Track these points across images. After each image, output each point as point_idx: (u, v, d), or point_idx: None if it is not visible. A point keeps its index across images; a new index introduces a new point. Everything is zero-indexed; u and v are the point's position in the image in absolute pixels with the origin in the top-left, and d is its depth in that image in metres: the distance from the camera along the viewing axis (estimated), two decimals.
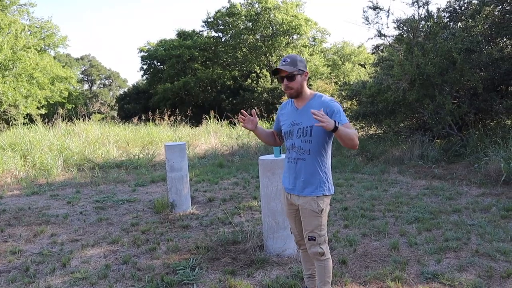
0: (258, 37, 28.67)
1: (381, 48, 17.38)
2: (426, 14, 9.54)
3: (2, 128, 14.12)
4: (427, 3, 9.55)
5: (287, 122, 2.88)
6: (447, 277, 3.44)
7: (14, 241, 4.92)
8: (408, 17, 9.84)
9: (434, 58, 8.80)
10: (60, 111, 14.38)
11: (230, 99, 28.70)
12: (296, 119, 2.81)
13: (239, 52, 29.29)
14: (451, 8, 10.58)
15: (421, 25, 9.55)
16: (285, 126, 2.89)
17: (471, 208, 5.51)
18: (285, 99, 17.52)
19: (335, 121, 2.51)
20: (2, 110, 17.62)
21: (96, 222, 5.62)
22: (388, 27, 25.33)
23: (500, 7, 9.59)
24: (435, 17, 9.63)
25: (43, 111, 20.66)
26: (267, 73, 27.22)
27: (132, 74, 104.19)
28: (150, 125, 15.25)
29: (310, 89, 2.91)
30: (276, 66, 2.99)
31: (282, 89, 2.85)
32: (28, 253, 4.49)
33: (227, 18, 28.28)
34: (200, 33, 32.41)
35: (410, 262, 3.83)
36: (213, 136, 13.98)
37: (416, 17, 9.56)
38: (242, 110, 3.06)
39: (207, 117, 16.17)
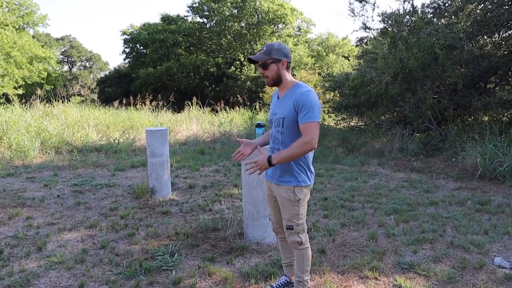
0: (243, 24, 28.48)
1: (365, 41, 17.46)
2: (411, 9, 9.60)
3: None
4: None
5: (270, 111, 2.94)
6: (423, 268, 3.52)
7: None
8: (393, 11, 9.90)
9: (417, 53, 8.89)
10: (39, 92, 14.04)
11: (213, 86, 28.51)
12: (276, 108, 2.82)
13: (224, 39, 29.06)
14: (435, 4, 10.68)
15: (406, 20, 9.61)
16: (269, 115, 2.93)
17: (447, 201, 5.63)
18: (268, 88, 17.50)
19: (268, 157, 2.59)
20: None
21: (73, 206, 5.53)
22: (373, 20, 25.51)
23: (482, 5, 9.73)
24: (419, 12, 9.70)
25: (20, 91, 20.15)
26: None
27: (114, 57, 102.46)
28: (131, 109, 15.03)
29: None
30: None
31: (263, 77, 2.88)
32: (2, 236, 4.39)
33: (213, 4, 27.98)
34: (185, 18, 32.02)
35: (388, 252, 3.90)
36: (195, 122, 13.89)
37: (401, 11, 9.61)
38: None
39: (190, 103, 16.04)
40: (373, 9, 12.03)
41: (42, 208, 5.42)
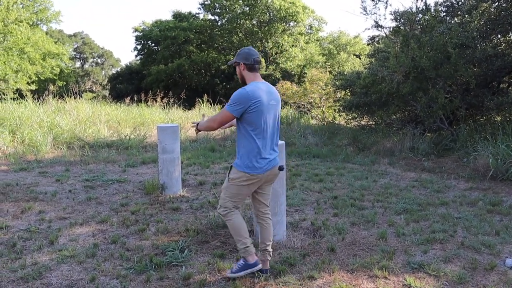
0: (254, 22, 28.46)
1: (377, 39, 17.35)
2: (424, 7, 9.52)
3: None
4: None
5: None
6: (433, 268, 3.50)
7: (1, 217, 4.88)
8: (406, 9, 9.82)
9: (430, 52, 8.81)
10: (51, 87, 14.17)
11: (224, 83, 28.57)
12: None
13: (235, 36, 29.08)
14: (448, 3, 10.56)
15: (418, 18, 9.53)
16: None
17: (458, 202, 5.58)
18: (279, 86, 17.49)
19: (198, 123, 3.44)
20: None
21: (85, 201, 5.59)
22: (385, 18, 25.36)
23: (497, 4, 9.61)
24: (432, 10, 9.61)
25: (33, 87, 20.39)
26: (262, 59, 27.07)
27: (126, 53, 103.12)
28: (142, 106, 15.12)
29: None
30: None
31: None
32: (15, 229, 4.46)
33: (224, 2, 28.00)
34: (197, 15, 32.11)
35: (397, 252, 3.88)
36: (205, 120, 13.91)
37: (414, 9, 9.53)
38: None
39: (200, 100, 16.08)
40: (386, 7, 12.00)
41: (54, 202, 5.49)
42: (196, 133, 3.46)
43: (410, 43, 8.91)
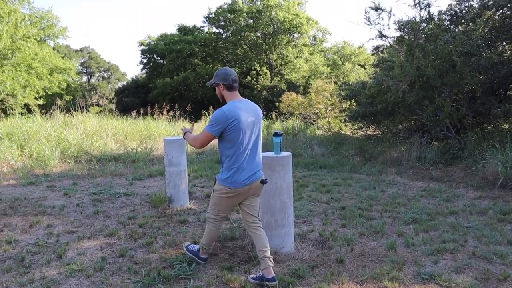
0: (259, 34, 28.65)
1: (381, 49, 17.38)
2: (428, 16, 9.54)
3: None
4: (428, 5, 9.55)
5: None
6: (444, 278, 3.45)
7: (9, 231, 4.90)
8: (410, 18, 9.85)
9: (434, 61, 8.81)
10: (58, 102, 14.30)
11: None
12: None
13: (240, 49, 29.26)
14: (452, 11, 10.58)
15: (422, 27, 9.55)
16: None
17: (468, 211, 5.52)
18: (284, 97, 17.52)
19: (186, 132, 3.73)
20: (0, 99, 17.53)
21: (92, 214, 5.60)
22: (389, 28, 25.22)
23: (501, 11, 9.61)
24: (436, 19, 9.63)
25: (41, 102, 20.58)
26: (267, 71, 27.23)
27: (132, 67, 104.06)
28: (149, 119, 15.20)
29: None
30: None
31: None
32: (23, 243, 4.47)
33: (229, 15, 28.23)
34: (201, 28, 32.38)
35: (407, 262, 3.84)
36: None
37: (418, 19, 9.55)
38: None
39: (206, 113, 16.14)
40: (389, 17, 12.06)
41: (62, 216, 5.50)
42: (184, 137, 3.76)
43: (415, 52, 8.91)
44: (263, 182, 3.47)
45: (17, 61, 18.57)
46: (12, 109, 17.18)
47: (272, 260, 3.43)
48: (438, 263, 3.81)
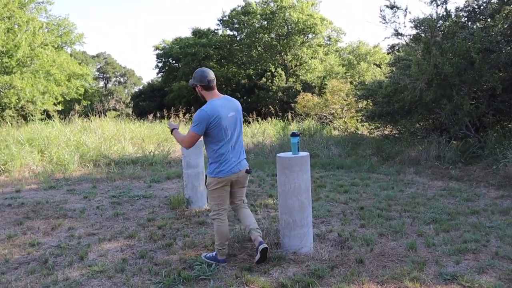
0: (273, 36, 28.64)
1: (397, 48, 17.20)
2: (445, 13, 9.42)
3: (20, 123, 14.33)
4: (445, 2, 9.42)
5: None
6: (467, 279, 3.40)
7: (32, 234, 5.00)
8: (426, 16, 9.73)
9: (452, 58, 8.69)
10: (77, 107, 14.54)
11: (245, 97, 28.71)
12: None
13: (254, 50, 29.30)
14: (469, 8, 10.42)
15: (439, 25, 9.43)
16: None
17: (489, 210, 5.43)
18: (299, 98, 17.49)
19: (173, 128, 3.90)
20: (20, 106, 17.87)
21: (112, 216, 5.68)
22: (405, 26, 25.15)
23: None
24: (453, 16, 9.50)
25: (59, 107, 20.89)
26: (282, 72, 27.19)
27: (147, 71, 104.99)
28: (165, 122, 15.34)
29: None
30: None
31: None
32: (46, 246, 4.56)
33: (242, 17, 28.30)
34: (215, 31, 32.50)
35: (428, 262, 3.79)
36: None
37: (434, 16, 9.44)
38: None
39: None
40: (405, 15, 11.92)
41: (82, 219, 5.59)
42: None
43: (432, 50, 8.81)
44: (248, 171, 3.81)
45: (36, 68, 18.89)
46: (32, 115, 17.50)
47: (259, 231, 3.85)
48: (460, 263, 3.76)
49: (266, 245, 3.76)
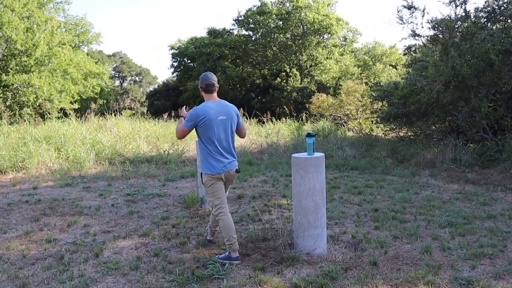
0: (288, 36, 28.57)
1: (414, 49, 17.00)
2: (463, 13, 9.29)
3: (37, 121, 14.56)
4: (464, 3, 9.30)
5: None
6: (483, 284, 3.35)
7: (49, 230, 5.08)
8: (444, 16, 9.61)
9: (471, 60, 8.56)
10: (93, 106, 14.70)
11: (260, 97, 28.71)
12: None
13: (269, 50, 29.27)
14: (489, 8, 10.24)
15: (458, 25, 9.30)
16: None
17: (507, 215, 5.34)
18: (314, 99, 17.43)
19: (181, 115, 4.28)
20: (37, 104, 18.16)
21: (127, 214, 5.73)
22: (422, 27, 24.70)
23: None
24: (472, 17, 9.36)
25: (76, 106, 21.16)
26: (297, 72, 27.10)
27: (163, 71, 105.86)
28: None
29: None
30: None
31: None
32: (62, 242, 4.63)
33: (258, 17, 28.29)
34: (231, 31, 32.56)
35: (443, 266, 3.75)
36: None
37: (453, 17, 9.32)
38: None
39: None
40: (423, 16, 11.74)
41: (98, 216, 5.66)
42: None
43: (450, 51, 8.69)
44: (237, 171, 4.08)
45: (53, 67, 19.18)
46: (49, 113, 17.76)
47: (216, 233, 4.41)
48: (476, 268, 3.70)
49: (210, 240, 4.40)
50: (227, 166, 3.95)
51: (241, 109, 16.34)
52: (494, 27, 9.56)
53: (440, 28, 9.60)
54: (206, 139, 3.92)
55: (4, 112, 14.32)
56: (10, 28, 16.89)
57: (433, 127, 11.02)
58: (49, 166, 9.33)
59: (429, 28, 10.16)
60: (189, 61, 33.63)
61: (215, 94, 4.04)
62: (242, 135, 4.29)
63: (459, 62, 8.48)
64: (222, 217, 3.93)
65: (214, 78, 4.04)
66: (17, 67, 17.29)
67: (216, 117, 3.90)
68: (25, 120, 14.29)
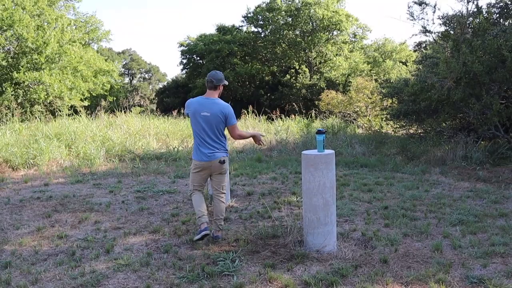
0: (297, 32, 28.48)
1: (424, 45, 16.86)
2: (475, 9, 9.18)
3: (48, 118, 14.69)
4: None
5: None
6: (495, 283, 3.32)
7: (60, 226, 5.13)
8: (456, 12, 9.50)
9: (482, 56, 8.47)
10: (103, 103, 14.80)
11: (269, 94, 28.69)
12: None
13: (278, 47, 29.21)
14: (501, 4, 10.11)
15: (469, 21, 9.19)
16: None
17: None
18: (323, 96, 17.38)
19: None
20: (48, 101, 18.31)
21: (137, 211, 5.77)
22: (433, 23, 24.41)
23: None
24: (484, 13, 9.24)
25: (86, 103, 21.31)
26: (306, 69, 27.03)
27: (172, 68, 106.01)
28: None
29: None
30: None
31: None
32: (73, 238, 4.67)
33: (267, 13, 28.23)
34: (240, 28, 32.52)
35: (454, 265, 3.72)
36: (251, 130, 14.04)
37: (464, 12, 9.21)
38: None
39: (246, 112, 16.23)
40: (434, 12, 11.60)
41: (108, 213, 5.70)
42: None
43: (461, 47, 8.60)
44: (221, 162, 4.37)
45: (63, 65, 19.32)
46: (59, 110, 17.91)
47: (221, 228, 4.48)
48: (488, 267, 3.67)
49: (209, 233, 4.29)
50: (210, 156, 4.31)
51: (250, 106, 16.39)
52: (506, 23, 9.44)
53: (452, 24, 9.50)
54: (193, 130, 4.41)
55: (15, 109, 14.47)
56: (21, 26, 17.04)
57: (444, 124, 10.93)
58: (60, 163, 9.41)
59: (440, 24, 10.06)
60: (198, 58, 33.67)
61: (213, 91, 4.38)
62: (232, 136, 4.53)
63: (471, 58, 8.39)
64: (192, 196, 4.48)
65: (216, 76, 4.38)
66: (28, 65, 17.45)
67: (200, 112, 4.28)
68: (36, 117, 14.44)
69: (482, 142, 9.58)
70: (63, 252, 4.24)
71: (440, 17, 9.76)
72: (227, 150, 4.50)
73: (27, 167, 9.04)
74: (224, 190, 4.59)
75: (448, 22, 9.54)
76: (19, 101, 16.74)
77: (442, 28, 10.12)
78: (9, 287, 3.48)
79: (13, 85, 16.90)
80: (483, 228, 4.69)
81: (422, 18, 9.97)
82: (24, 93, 17.20)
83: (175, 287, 3.40)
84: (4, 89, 16.43)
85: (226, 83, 4.55)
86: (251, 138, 4.81)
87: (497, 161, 8.50)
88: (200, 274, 3.59)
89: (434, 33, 10.17)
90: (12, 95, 16.39)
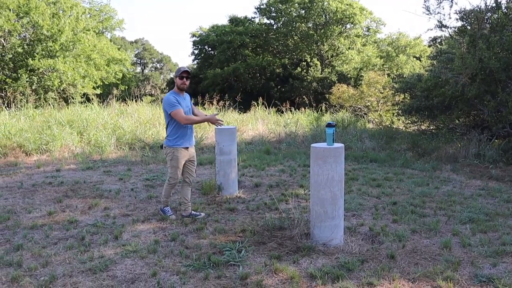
0: (310, 25, 28.25)
1: (439, 40, 16.63)
2: (494, 4, 9.00)
3: (61, 105, 14.80)
4: None
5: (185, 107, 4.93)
6: (504, 282, 3.28)
7: (71, 212, 5.18)
8: (474, 7, 9.34)
9: (500, 52, 8.33)
10: (114, 91, 14.87)
11: (279, 87, 28.58)
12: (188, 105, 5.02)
13: (290, 40, 29.02)
14: None
15: (487, 17, 9.03)
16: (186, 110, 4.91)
17: None
18: (334, 89, 17.26)
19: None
20: (61, 88, 18.44)
21: (146, 199, 5.81)
22: (450, 18, 23.99)
23: None
24: (503, 8, 9.06)
25: (98, 91, 21.43)
26: (318, 62, 26.83)
27: (183, 58, 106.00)
28: (199, 109, 15.44)
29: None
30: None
31: (181, 84, 4.89)
32: (83, 224, 4.72)
33: (280, 5, 28.03)
34: (252, 19, 32.37)
35: (463, 263, 3.69)
36: (260, 122, 14.01)
37: (483, 7, 9.05)
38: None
39: (256, 103, 16.19)
40: (451, 6, 11.52)
41: (117, 200, 5.75)
42: None
43: (478, 43, 8.46)
44: (161, 146, 5.02)
45: (77, 53, 19.41)
46: (72, 98, 18.03)
47: (187, 209, 4.99)
48: (497, 266, 3.63)
49: (191, 217, 4.90)
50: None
51: (260, 98, 16.35)
52: None
53: (469, 19, 9.34)
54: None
55: (30, 95, 14.60)
56: (37, 13, 17.13)
57: (457, 121, 10.81)
58: (71, 150, 9.50)
59: (457, 19, 9.90)
60: (209, 49, 33.62)
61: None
62: (180, 122, 4.83)
63: (487, 54, 8.25)
64: (168, 183, 5.03)
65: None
66: (43, 52, 17.56)
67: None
68: (49, 104, 14.55)
69: (496, 140, 9.45)
70: (73, 237, 4.29)
71: (457, 12, 9.61)
72: (169, 139, 4.88)
73: (40, 152, 9.15)
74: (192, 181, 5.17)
75: (465, 17, 9.38)
76: (33, 87, 16.87)
77: (459, 23, 10.01)
78: (21, 269, 3.53)
79: (28, 71, 17.03)
80: (494, 227, 4.63)
81: (439, 13, 9.87)
82: (39, 80, 17.33)
83: (182, 274, 3.42)
84: (19, 75, 16.58)
85: (177, 75, 4.89)
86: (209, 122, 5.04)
87: (511, 160, 8.38)
88: (206, 263, 3.61)
89: (450, 28, 10.04)
90: (27, 81, 16.53)
